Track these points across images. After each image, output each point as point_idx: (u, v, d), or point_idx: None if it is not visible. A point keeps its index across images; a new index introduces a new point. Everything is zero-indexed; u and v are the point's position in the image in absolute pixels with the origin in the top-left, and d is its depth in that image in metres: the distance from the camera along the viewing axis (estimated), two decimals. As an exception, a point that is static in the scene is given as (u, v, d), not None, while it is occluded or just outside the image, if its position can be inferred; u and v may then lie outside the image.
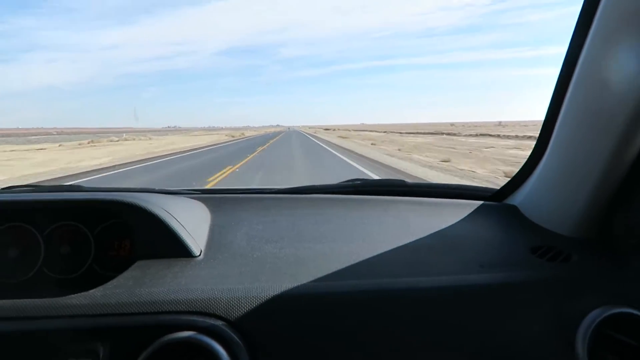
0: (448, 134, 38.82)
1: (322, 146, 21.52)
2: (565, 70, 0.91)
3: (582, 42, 0.85)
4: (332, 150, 17.88)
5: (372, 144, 22.68)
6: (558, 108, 0.95)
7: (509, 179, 1.22)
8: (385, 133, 47.92)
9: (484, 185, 1.43)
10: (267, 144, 24.97)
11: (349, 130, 68.80)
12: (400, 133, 46.28)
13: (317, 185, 1.30)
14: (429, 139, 29.67)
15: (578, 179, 0.91)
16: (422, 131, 51.31)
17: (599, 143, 0.84)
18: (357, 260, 0.86)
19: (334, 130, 76.38)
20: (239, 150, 20.39)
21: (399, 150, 17.12)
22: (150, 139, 39.97)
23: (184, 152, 19.74)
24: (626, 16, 0.76)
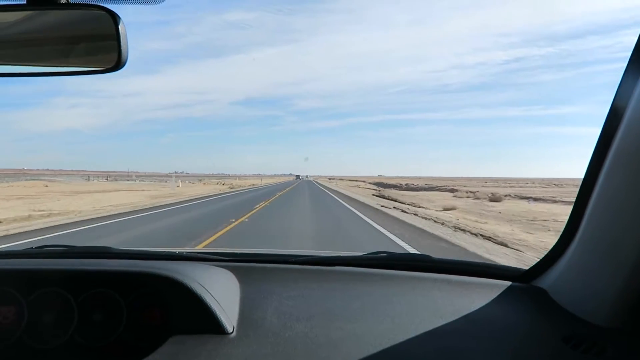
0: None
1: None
2: (605, 137, 0.85)
3: (623, 113, 0.79)
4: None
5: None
6: (595, 178, 0.87)
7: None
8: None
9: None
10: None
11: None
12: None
13: (342, 256, 1.31)
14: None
15: (614, 261, 0.83)
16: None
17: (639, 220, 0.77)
18: (388, 345, 0.83)
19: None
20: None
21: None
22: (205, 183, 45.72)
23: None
24: None
